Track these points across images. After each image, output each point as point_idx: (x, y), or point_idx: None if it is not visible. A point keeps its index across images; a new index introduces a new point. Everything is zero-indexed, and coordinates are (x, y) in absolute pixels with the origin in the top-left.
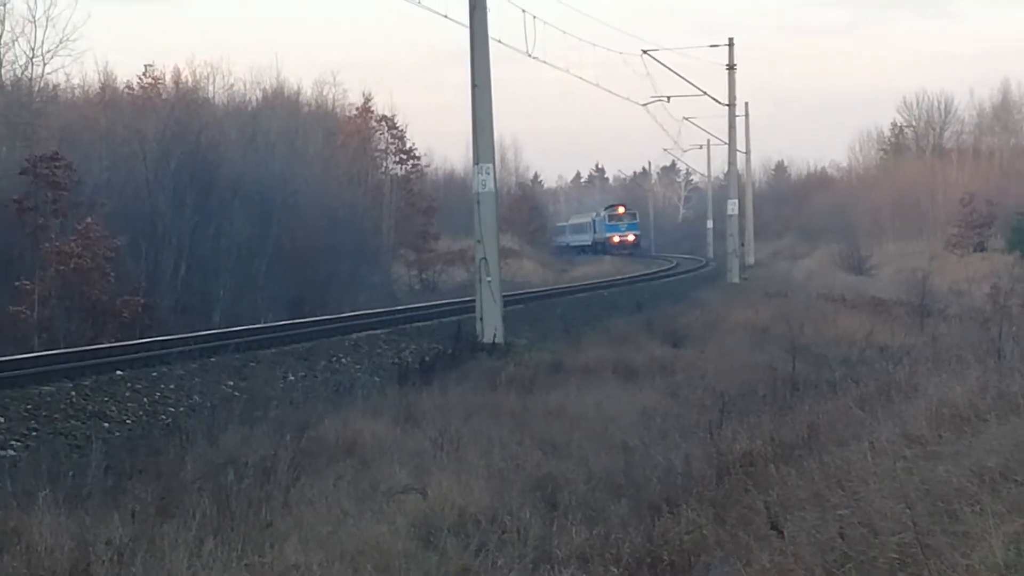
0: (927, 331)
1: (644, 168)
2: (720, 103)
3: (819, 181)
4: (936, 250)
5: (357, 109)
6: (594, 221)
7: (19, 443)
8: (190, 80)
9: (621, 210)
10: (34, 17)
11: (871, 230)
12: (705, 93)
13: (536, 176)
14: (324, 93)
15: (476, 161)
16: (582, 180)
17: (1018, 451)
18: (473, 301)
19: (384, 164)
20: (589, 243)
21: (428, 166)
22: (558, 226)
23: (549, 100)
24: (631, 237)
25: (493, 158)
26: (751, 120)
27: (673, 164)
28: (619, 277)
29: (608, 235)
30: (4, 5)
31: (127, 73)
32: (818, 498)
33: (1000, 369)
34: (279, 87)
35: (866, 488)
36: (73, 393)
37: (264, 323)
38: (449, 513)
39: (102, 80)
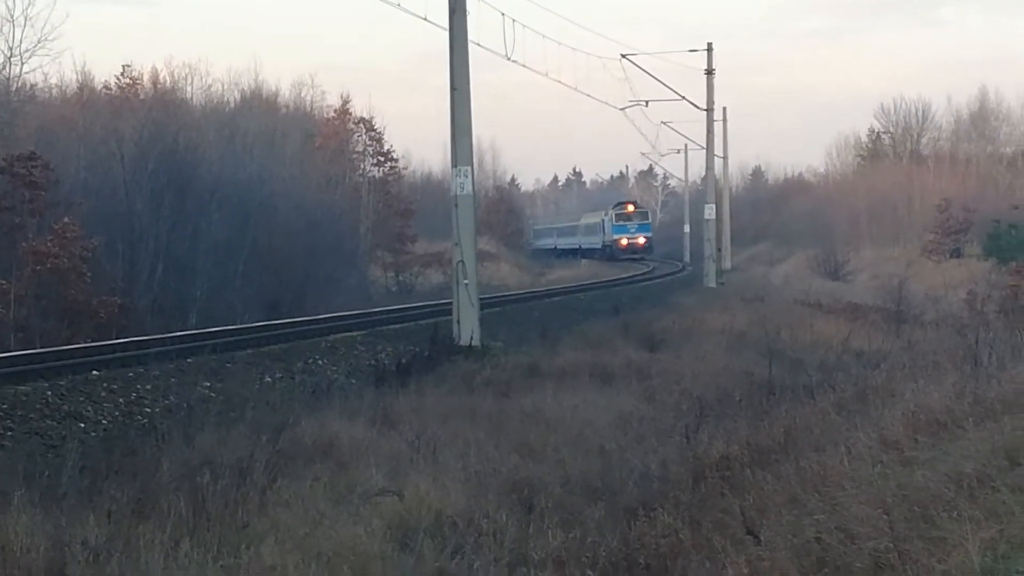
0: (904, 337)
1: (622, 172)
2: (698, 108)
3: (796, 186)
4: (913, 256)
5: (335, 111)
6: (603, 221)
7: None
8: (168, 81)
9: (630, 208)
10: (12, 16)
11: (848, 236)
12: (683, 98)
13: (513, 179)
14: (302, 95)
15: (454, 164)
16: (559, 183)
17: (995, 457)
18: (450, 304)
19: (362, 166)
20: (599, 246)
21: (406, 168)
22: (565, 226)
23: (527, 103)
24: (641, 240)
25: (472, 161)
26: (729, 125)
27: (651, 168)
28: (596, 281)
29: (616, 237)
30: None
31: (105, 73)
32: (794, 503)
33: (977, 375)
34: (257, 88)
35: (843, 493)
36: (49, 393)
37: (241, 324)
38: (425, 515)
39: (80, 80)
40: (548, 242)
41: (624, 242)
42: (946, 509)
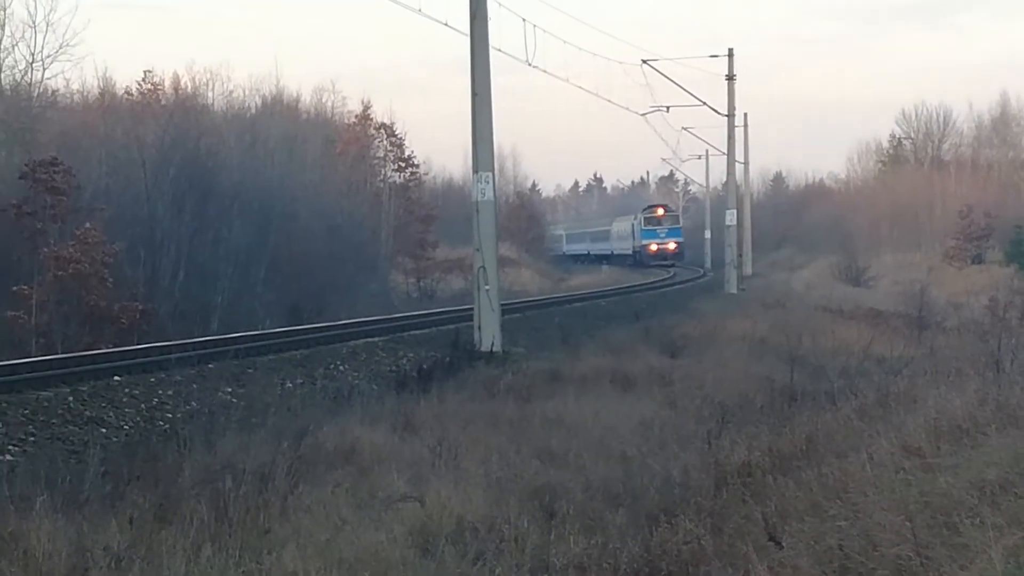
0: (925, 343)
1: (642, 178)
2: (719, 113)
3: (817, 192)
4: (934, 262)
5: (356, 116)
6: (633, 225)
7: (17, 448)
8: (189, 86)
9: (660, 211)
10: (34, 22)
11: (869, 242)
12: (704, 103)
13: (534, 185)
14: (323, 100)
15: (475, 169)
16: (580, 189)
17: (1018, 464)
18: (471, 309)
19: (383, 172)
20: (630, 252)
21: (427, 174)
22: (599, 231)
23: (548, 109)
24: (672, 245)
25: (492, 167)
26: (750, 130)
27: (671, 174)
28: (617, 287)
29: (644, 242)
30: (4, 10)
31: (126, 79)
32: (816, 509)
33: (999, 382)
34: (278, 94)
35: (865, 500)
36: (71, 398)
37: (262, 330)
38: (447, 521)
39: (101, 85)
40: (580, 247)
41: (653, 247)
42: (969, 516)
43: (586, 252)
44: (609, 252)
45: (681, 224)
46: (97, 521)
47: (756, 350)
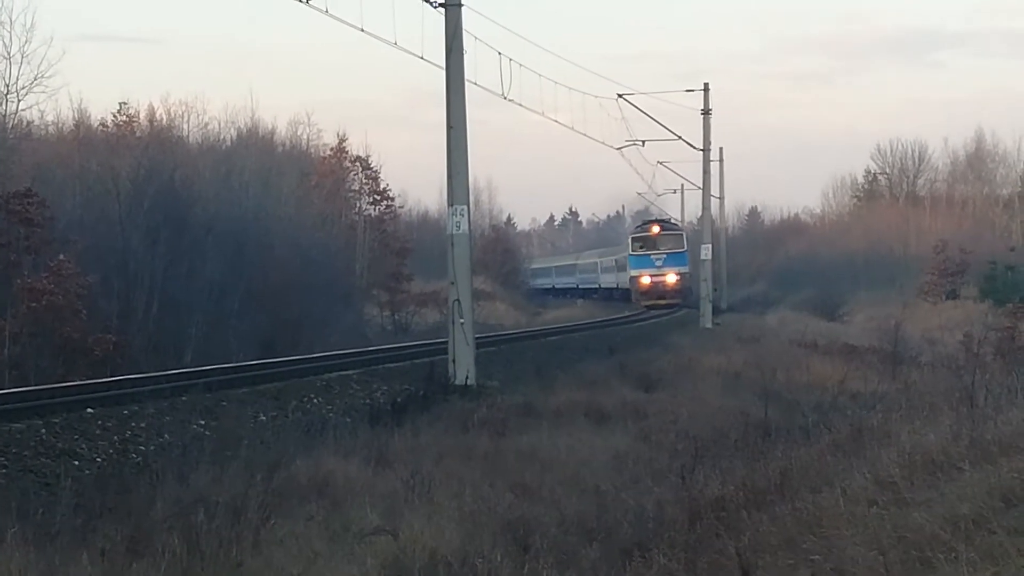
0: (900, 378)
1: (618, 212)
2: (695, 148)
3: (792, 227)
4: (909, 297)
5: (331, 149)
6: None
7: None
8: (164, 118)
9: (655, 230)
10: (9, 53)
11: (844, 277)
12: (680, 138)
13: (510, 218)
14: (299, 133)
15: (451, 203)
16: (556, 223)
17: (991, 498)
18: (445, 343)
19: (358, 204)
20: (615, 286)
21: (402, 207)
22: (623, 257)
23: (524, 143)
24: (671, 278)
25: (468, 200)
26: (726, 165)
27: (647, 209)
28: (591, 321)
29: (635, 274)
30: None
31: (101, 111)
32: (790, 544)
33: (973, 416)
34: (253, 126)
35: (839, 534)
36: (43, 430)
37: (235, 362)
38: (420, 555)
39: (76, 117)
40: (610, 279)
41: (646, 280)
42: (942, 551)
43: (615, 285)
44: (595, 286)
45: (686, 247)
46: (68, 554)
47: (730, 385)
